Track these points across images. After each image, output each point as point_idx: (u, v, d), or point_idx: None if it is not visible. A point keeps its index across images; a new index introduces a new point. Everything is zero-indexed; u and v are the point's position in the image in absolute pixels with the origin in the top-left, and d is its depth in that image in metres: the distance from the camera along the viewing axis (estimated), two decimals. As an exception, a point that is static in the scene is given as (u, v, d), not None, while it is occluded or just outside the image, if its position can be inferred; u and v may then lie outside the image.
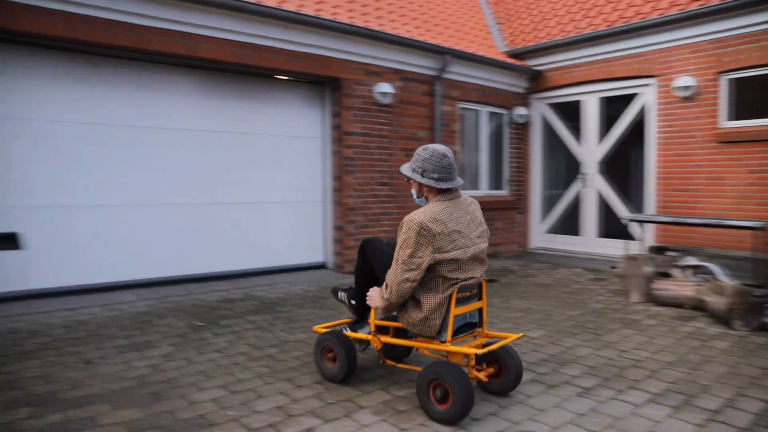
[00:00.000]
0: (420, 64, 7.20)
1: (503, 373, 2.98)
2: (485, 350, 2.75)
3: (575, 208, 8.44)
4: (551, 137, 8.85)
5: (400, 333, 3.29)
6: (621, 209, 7.81)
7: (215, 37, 5.51)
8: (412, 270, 2.72)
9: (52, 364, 3.48)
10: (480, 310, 3.04)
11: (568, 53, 8.03)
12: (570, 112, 8.45)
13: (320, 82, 6.70)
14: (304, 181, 6.68)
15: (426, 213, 2.75)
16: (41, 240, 4.99)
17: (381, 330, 3.32)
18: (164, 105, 5.62)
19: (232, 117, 6.07)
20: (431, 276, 2.79)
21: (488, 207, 8.33)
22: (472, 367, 2.92)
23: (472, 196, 8.14)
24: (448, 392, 2.64)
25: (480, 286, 3.00)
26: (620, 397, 3.03)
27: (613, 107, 7.97)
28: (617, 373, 3.41)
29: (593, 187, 8.12)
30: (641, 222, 6.38)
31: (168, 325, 4.35)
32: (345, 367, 3.11)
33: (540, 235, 9.01)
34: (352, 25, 6.23)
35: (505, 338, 2.96)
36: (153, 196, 5.58)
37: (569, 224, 8.59)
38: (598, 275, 6.92)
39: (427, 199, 2.94)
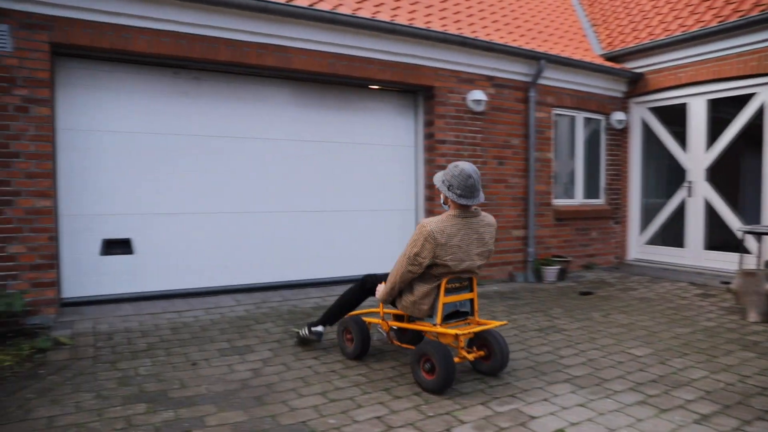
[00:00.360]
0: (514, 70, 7.02)
1: (491, 356, 3.48)
2: (466, 330, 3.31)
3: (679, 218, 7.89)
4: (651, 143, 8.34)
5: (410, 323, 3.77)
6: (732, 220, 7.21)
7: (309, 49, 5.64)
8: (415, 265, 3.29)
9: (162, 363, 3.67)
10: (471, 300, 3.58)
11: (673, 53, 7.54)
12: (673, 117, 7.93)
13: (412, 90, 6.70)
14: (396, 189, 6.69)
15: (438, 224, 3.26)
16: (148, 245, 5.31)
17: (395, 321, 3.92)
18: (260, 116, 5.82)
19: (325, 126, 6.19)
20: (425, 272, 3.36)
21: (583, 216, 7.98)
22: (462, 348, 3.43)
23: (566, 206, 7.87)
24: (434, 365, 3.17)
25: (471, 280, 3.53)
26: (747, 429, 2.76)
27: (722, 110, 7.39)
28: (740, 401, 3.12)
29: (700, 196, 7.56)
30: (759, 234, 5.85)
31: (266, 331, 4.48)
32: (359, 346, 3.75)
33: (638, 246, 8.51)
34: (445, 33, 6.18)
35: (488, 324, 3.46)
36: (251, 204, 5.79)
37: (671, 235, 8.04)
38: (707, 290, 6.43)
39: (449, 207, 3.45)
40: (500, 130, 7.02)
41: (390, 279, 3.49)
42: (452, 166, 3.36)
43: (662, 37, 7.59)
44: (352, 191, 6.40)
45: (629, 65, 8.14)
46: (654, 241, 8.32)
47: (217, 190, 5.61)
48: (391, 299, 3.59)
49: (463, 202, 3.30)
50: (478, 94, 6.60)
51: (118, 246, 5.16)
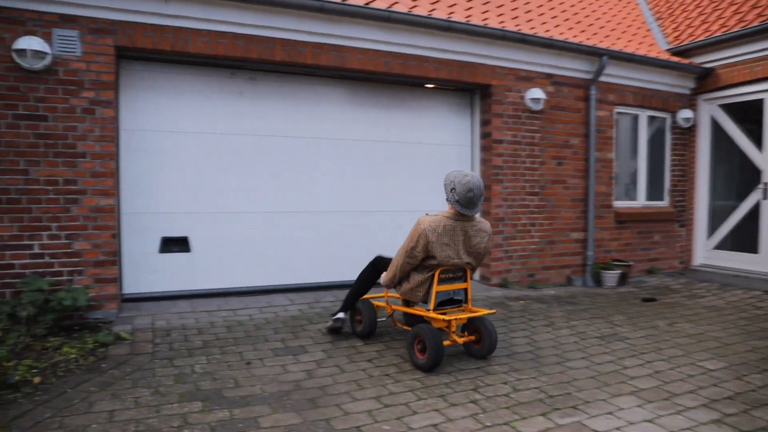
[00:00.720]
0: (574, 68, 6.77)
1: (482, 341, 3.81)
2: (455, 317, 3.68)
3: (751, 221, 7.42)
4: (721, 142, 7.88)
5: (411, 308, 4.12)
6: (812, 224, 6.72)
7: (364, 48, 5.60)
8: (411, 257, 3.71)
9: (217, 361, 3.69)
10: (465, 289, 3.91)
11: (749, 45, 7.07)
12: (747, 114, 7.45)
13: (468, 89, 6.56)
14: (449, 189, 6.57)
15: (432, 223, 3.64)
16: (205, 244, 5.39)
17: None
18: (315, 116, 5.83)
19: (379, 126, 6.14)
20: (420, 263, 3.74)
21: (646, 219, 7.63)
22: (453, 332, 3.79)
23: (628, 208, 7.57)
24: (426, 346, 3.52)
25: (464, 271, 3.86)
26: (840, 454, 2.52)
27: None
28: (830, 423, 2.86)
29: (776, 199, 7.09)
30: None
31: (319, 331, 4.46)
32: (367, 326, 4.19)
33: (705, 251, 8.06)
34: (504, 30, 6.01)
35: (478, 312, 3.83)
36: (304, 203, 5.80)
37: (743, 239, 7.57)
38: (784, 300, 6.01)
39: (449, 206, 3.76)
40: (559, 130, 6.79)
41: (391, 268, 3.91)
42: (463, 174, 3.66)
43: (736, 29, 7.15)
44: (407, 191, 6.32)
45: (698, 60, 7.72)
46: (723, 245, 7.86)
47: (272, 189, 5.64)
48: (393, 285, 3.98)
49: (458, 208, 3.65)
50: (536, 93, 6.40)
51: (176, 244, 5.27)
